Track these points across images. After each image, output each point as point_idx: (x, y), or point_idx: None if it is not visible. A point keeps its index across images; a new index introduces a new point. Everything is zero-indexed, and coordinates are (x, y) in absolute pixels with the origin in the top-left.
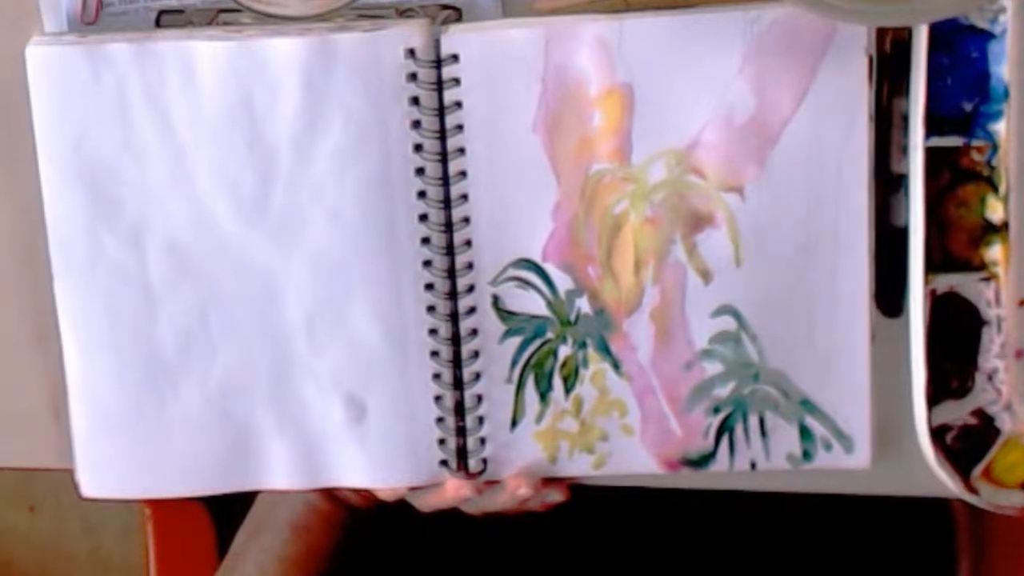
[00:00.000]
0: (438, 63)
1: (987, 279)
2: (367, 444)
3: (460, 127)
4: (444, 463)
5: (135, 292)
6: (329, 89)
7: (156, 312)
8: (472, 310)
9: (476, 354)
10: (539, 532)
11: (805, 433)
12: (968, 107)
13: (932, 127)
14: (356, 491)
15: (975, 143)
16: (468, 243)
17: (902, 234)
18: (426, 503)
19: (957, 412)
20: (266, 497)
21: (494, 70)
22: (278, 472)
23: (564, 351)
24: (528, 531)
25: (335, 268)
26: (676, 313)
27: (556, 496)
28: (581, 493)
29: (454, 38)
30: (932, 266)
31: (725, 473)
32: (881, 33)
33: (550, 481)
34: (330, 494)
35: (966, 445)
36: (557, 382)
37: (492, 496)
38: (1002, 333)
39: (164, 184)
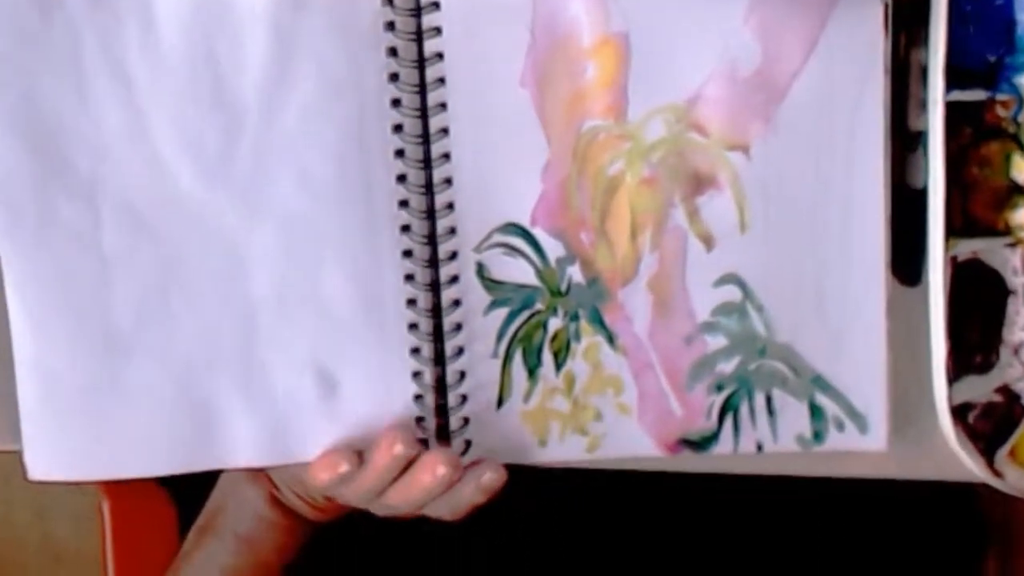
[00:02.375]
0: (418, 11)
1: (1013, 245)
2: (338, 421)
3: (441, 80)
4: (423, 443)
5: (88, 258)
6: (299, 39)
7: (111, 279)
8: (454, 279)
9: (458, 327)
10: (518, 536)
11: (816, 412)
12: (992, 58)
13: (953, 80)
14: (310, 503)
15: (1000, 97)
16: (450, 206)
17: (920, 196)
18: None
19: (980, 389)
20: (217, 496)
21: (478, 19)
22: (243, 449)
23: (554, 324)
24: (506, 537)
25: (305, 233)
26: (676, 282)
27: (491, 475)
28: (573, 478)
29: None
30: (953, 231)
31: (729, 456)
32: None
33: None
34: (281, 505)
35: (990, 424)
36: (547, 357)
37: (416, 479)
38: None
39: (120, 142)
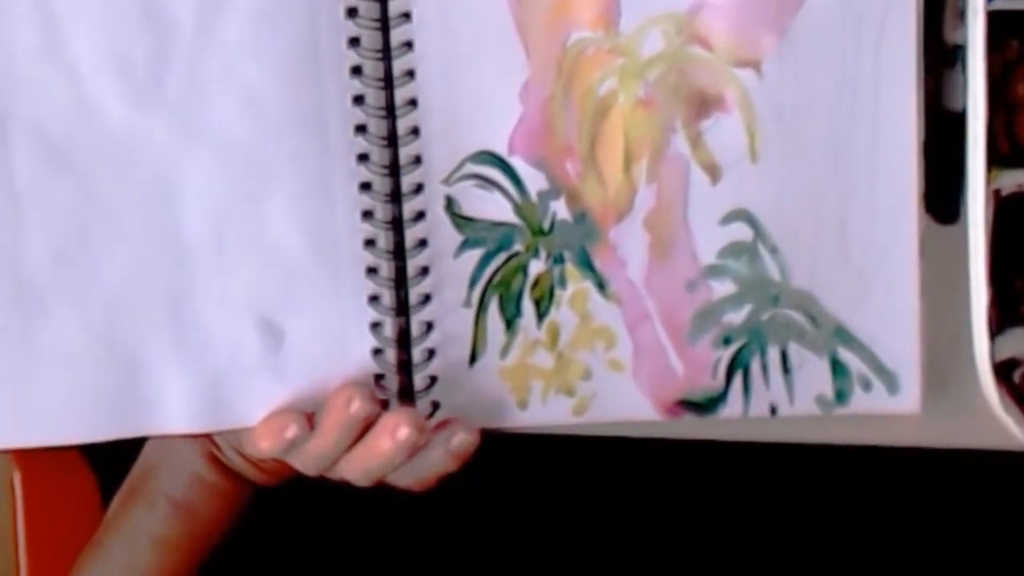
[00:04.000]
0: None
1: None
2: (285, 379)
3: None
4: (384, 404)
5: None
6: None
7: (23, 217)
8: (420, 216)
9: (425, 271)
10: (493, 511)
11: (838, 369)
12: None
13: None
14: (255, 464)
15: None
16: (415, 131)
17: (959, 120)
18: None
19: None
20: (147, 457)
21: None
22: (176, 413)
23: (536, 267)
24: (480, 512)
25: (248, 162)
26: (676, 219)
27: (462, 436)
28: (558, 445)
29: None
30: (996, 160)
31: (738, 420)
32: None
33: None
34: (222, 465)
35: None
36: (527, 306)
37: (375, 444)
38: None
39: (33, 61)
